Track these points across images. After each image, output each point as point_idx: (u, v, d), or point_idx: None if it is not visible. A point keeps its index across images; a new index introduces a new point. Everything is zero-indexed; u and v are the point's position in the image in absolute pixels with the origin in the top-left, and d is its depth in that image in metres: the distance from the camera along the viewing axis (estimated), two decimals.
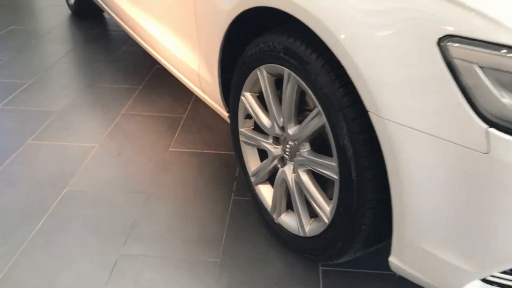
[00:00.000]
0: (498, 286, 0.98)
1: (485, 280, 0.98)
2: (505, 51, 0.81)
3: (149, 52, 2.29)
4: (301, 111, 1.31)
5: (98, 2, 3.02)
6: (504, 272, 0.96)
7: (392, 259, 1.10)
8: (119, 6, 2.52)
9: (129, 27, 2.50)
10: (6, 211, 1.64)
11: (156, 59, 2.22)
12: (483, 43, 0.83)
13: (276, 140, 1.42)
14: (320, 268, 1.42)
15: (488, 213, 0.89)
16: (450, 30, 0.86)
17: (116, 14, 2.67)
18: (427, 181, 0.94)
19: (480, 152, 0.85)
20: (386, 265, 1.13)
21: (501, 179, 0.85)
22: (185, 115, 2.28)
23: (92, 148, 2.01)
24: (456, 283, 0.99)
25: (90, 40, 3.28)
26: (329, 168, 1.18)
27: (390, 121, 0.95)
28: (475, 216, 0.91)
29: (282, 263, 1.45)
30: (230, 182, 1.80)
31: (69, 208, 1.66)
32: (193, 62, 1.78)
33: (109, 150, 2.00)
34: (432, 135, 0.90)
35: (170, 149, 2.01)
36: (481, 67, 0.84)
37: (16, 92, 2.51)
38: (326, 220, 1.24)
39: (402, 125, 0.94)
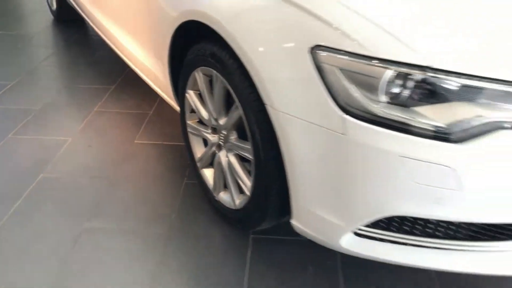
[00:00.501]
0: (369, 239, 1.26)
1: (357, 234, 1.26)
2: (356, 58, 1.10)
3: (118, 55, 2.56)
4: (231, 105, 1.59)
5: (77, 9, 3.29)
6: (374, 227, 1.24)
7: (293, 222, 1.38)
8: (93, 14, 2.79)
9: (101, 32, 2.77)
10: None
11: (125, 61, 2.49)
12: (342, 52, 1.12)
13: (214, 130, 1.70)
14: (251, 236, 1.70)
15: (348, 180, 1.17)
16: (318, 41, 1.14)
17: (92, 21, 2.94)
18: (308, 157, 1.22)
19: (340, 133, 1.14)
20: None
21: (355, 154, 1.13)
22: (151, 112, 2.55)
23: (66, 141, 2.28)
24: (335, 237, 1.27)
25: (71, 45, 3.54)
26: (247, 151, 1.46)
27: (280, 111, 1.23)
28: (341, 183, 1.19)
29: (220, 235, 1.72)
30: (183, 169, 2.07)
31: (43, 191, 1.93)
32: (150, 64, 2.06)
33: (81, 142, 2.27)
34: (308, 121, 1.19)
35: (135, 141, 2.28)
36: (340, 69, 1.12)
37: (0, 92, 2.77)
38: (248, 193, 1.52)
39: (287, 114, 1.22)
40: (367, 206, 1.18)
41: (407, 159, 1.09)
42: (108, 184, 1.97)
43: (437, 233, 1.21)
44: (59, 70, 3.11)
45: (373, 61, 1.08)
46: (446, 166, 1.07)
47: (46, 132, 2.36)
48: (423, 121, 1.07)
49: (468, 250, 1.22)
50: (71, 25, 3.94)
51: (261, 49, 1.26)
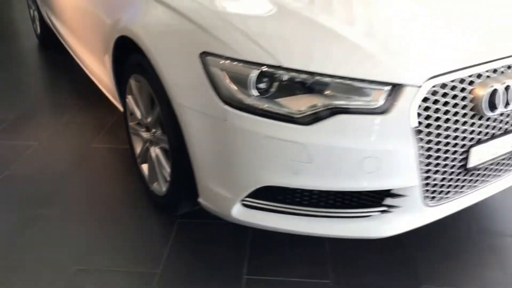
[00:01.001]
0: (253, 209, 1.53)
1: (244, 205, 1.53)
2: (232, 61, 1.40)
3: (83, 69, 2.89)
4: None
5: (55, 32, 3.64)
6: (256, 197, 1.51)
7: (200, 200, 1.66)
8: (63, 34, 3.14)
9: (71, 50, 3.11)
10: None
11: (86, 73, 2.82)
12: (222, 57, 1.42)
13: (147, 129, 1.99)
14: (178, 221, 1.97)
15: (231, 158, 1.46)
16: (205, 49, 1.45)
17: (64, 41, 3.28)
18: (202, 142, 1.52)
19: (223, 120, 1.43)
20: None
21: (234, 136, 1.43)
22: (113, 120, 2.85)
23: (31, 145, 2.58)
24: (228, 208, 1.55)
25: (50, 66, 3.88)
26: (165, 142, 1.75)
27: (180, 104, 1.53)
28: (226, 161, 1.48)
29: (153, 219, 1.99)
30: (131, 167, 2.36)
31: (7, 185, 2.22)
32: (102, 73, 2.37)
33: (46, 146, 2.57)
34: (200, 111, 1.48)
35: (92, 145, 2.58)
36: (221, 70, 1.43)
37: None
38: (169, 179, 1.80)
39: (186, 106, 1.52)
40: (246, 179, 1.46)
41: (271, 138, 1.38)
42: (65, 178, 2.26)
43: (304, 201, 1.49)
44: (40, 86, 3.44)
45: (243, 64, 1.39)
46: (299, 143, 1.36)
47: (17, 137, 2.66)
48: (282, 109, 1.37)
49: (336, 217, 1.50)
50: (54, 48, 4.27)
51: (166, 57, 1.58)
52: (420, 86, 1.35)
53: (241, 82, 1.40)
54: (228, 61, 1.41)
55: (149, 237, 1.88)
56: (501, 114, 1.53)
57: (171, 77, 1.56)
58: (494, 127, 1.54)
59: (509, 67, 1.52)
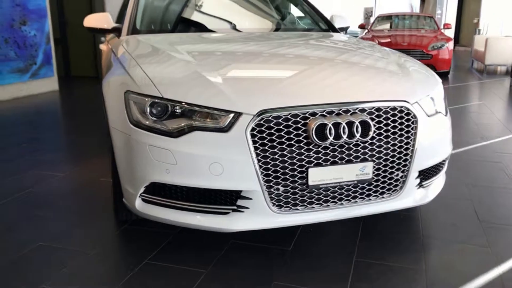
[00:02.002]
0: (150, 203, 2.07)
1: (143, 200, 2.08)
2: (137, 95, 2.06)
3: None
4: None
5: None
6: (150, 193, 2.06)
7: (123, 200, 2.24)
8: None
9: None
10: None
11: None
12: (133, 92, 2.09)
13: None
14: (125, 227, 2.53)
15: (132, 162, 2.06)
16: (128, 88, 2.14)
17: None
18: (121, 152, 2.14)
19: (129, 135, 2.06)
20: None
21: (135, 146, 2.04)
22: None
23: None
24: (133, 202, 2.11)
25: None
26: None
27: (112, 126, 2.20)
28: (130, 165, 2.08)
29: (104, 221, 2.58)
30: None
31: None
32: None
33: None
34: (119, 130, 2.13)
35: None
36: (133, 102, 2.09)
37: None
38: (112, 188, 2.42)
39: (114, 127, 2.18)
40: (140, 177, 2.04)
41: (153, 146, 1.97)
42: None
43: (180, 197, 2.01)
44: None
45: (142, 96, 2.04)
46: (168, 149, 1.93)
47: None
48: (163, 127, 1.97)
49: (203, 211, 1.99)
50: None
51: (110, 95, 2.29)
52: (254, 115, 1.88)
53: (141, 108, 2.04)
54: (135, 95, 2.07)
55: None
56: (341, 146, 1.97)
57: (109, 109, 2.25)
58: (334, 155, 1.97)
59: (345, 111, 1.98)
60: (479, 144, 4.15)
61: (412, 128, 2.11)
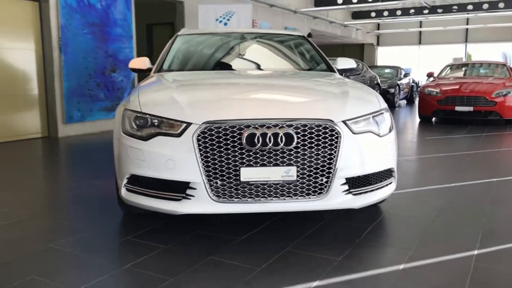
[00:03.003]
0: (132, 192, 2.75)
1: (127, 189, 2.77)
2: (128, 111, 2.81)
3: None
4: None
5: None
6: (131, 184, 2.74)
7: (120, 192, 2.94)
8: None
9: None
10: None
11: None
12: (127, 109, 2.84)
13: None
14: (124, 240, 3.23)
15: (120, 159, 2.77)
16: (126, 107, 2.90)
17: None
18: (116, 154, 2.87)
19: (119, 139, 2.79)
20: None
21: (122, 148, 2.76)
22: None
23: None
24: (121, 192, 2.80)
25: None
26: None
27: (114, 137, 2.95)
28: (119, 162, 2.79)
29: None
30: None
31: None
32: None
33: None
34: (117, 138, 2.87)
35: None
36: (126, 116, 2.83)
37: None
38: None
39: (115, 137, 2.93)
40: (124, 171, 2.73)
41: (131, 147, 2.67)
42: None
43: (151, 186, 2.66)
44: None
45: (131, 112, 2.77)
46: (140, 149, 2.62)
47: None
48: (139, 134, 2.67)
49: (165, 198, 2.62)
50: None
51: (116, 114, 3.06)
52: (199, 124, 2.50)
53: (130, 121, 2.77)
54: (128, 111, 2.81)
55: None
56: (270, 152, 2.50)
57: (114, 125, 3.01)
58: (264, 159, 2.50)
59: (275, 125, 2.52)
60: None
61: (335, 142, 2.57)
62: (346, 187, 2.64)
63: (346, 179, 2.63)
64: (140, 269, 2.37)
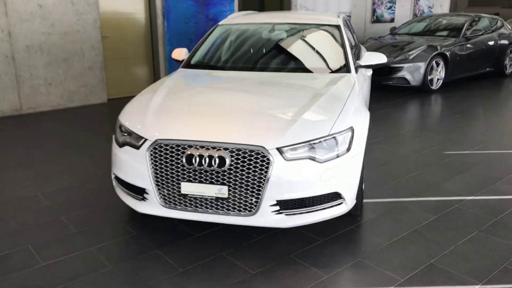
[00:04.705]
0: (119, 188, 3.36)
1: (116, 183, 3.39)
2: (122, 128, 3.37)
3: None
4: None
5: None
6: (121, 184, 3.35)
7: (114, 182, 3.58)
8: None
9: None
10: None
11: None
12: (121, 126, 3.40)
13: None
14: None
15: (112, 162, 3.38)
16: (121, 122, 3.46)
17: None
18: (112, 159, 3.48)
19: (112, 147, 3.39)
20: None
21: (112, 152, 3.36)
22: None
23: None
24: (114, 183, 3.44)
25: None
26: None
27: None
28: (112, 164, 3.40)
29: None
30: None
31: None
32: None
33: None
34: (114, 147, 3.47)
35: None
36: (119, 131, 3.40)
37: None
38: None
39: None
40: (112, 170, 3.34)
41: (114, 152, 3.24)
42: None
43: (124, 185, 3.23)
44: None
45: (119, 117, 3.32)
46: (116, 154, 3.17)
47: None
48: (117, 141, 3.21)
49: (133, 197, 3.17)
50: None
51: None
52: (152, 141, 2.94)
53: (116, 126, 3.33)
54: (119, 124, 3.35)
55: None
56: (206, 171, 2.84)
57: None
58: (201, 176, 2.85)
59: (213, 147, 2.83)
60: None
61: (265, 168, 2.78)
62: (277, 207, 2.86)
63: (277, 201, 2.84)
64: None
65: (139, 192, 3.10)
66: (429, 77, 8.24)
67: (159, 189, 2.97)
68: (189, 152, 2.84)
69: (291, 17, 4.76)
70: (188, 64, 4.36)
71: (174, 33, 8.15)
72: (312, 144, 2.88)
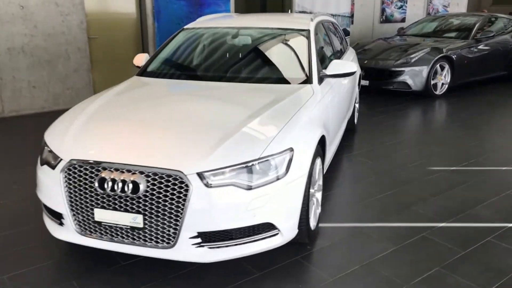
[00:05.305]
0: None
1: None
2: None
3: None
4: None
5: None
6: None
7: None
8: None
9: None
10: None
11: None
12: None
13: None
14: None
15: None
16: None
17: None
18: None
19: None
20: None
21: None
22: None
23: None
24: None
25: None
26: None
27: None
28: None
29: None
30: None
31: None
32: None
33: None
34: None
35: None
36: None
37: None
38: None
39: None
40: None
41: (36, 168, 2.98)
42: None
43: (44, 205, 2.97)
44: None
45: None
46: (37, 172, 2.91)
47: None
48: (40, 157, 2.95)
49: (52, 219, 2.91)
50: None
51: None
52: (66, 162, 2.66)
53: (42, 142, 3.07)
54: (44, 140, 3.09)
55: None
56: (121, 197, 2.55)
57: None
58: (115, 203, 2.56)
59: (128, 170, 2.53)
60: None
61: (184, 195, 2.47)
62: (198, 240, 2.55)
63: (199, 232, 2.53)
64: None
65: (57, 216, 2.83)
66: (433, 82, 7.74)
67: (74, 214, 2.69)
68: (102, 175, 2.55)
69: (261, 21, 4.41)
70: (144, 72, 4.07)
71: (165, 34, 7.89)
72: (240, 168, 2.55)
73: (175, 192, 2.48)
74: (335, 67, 3.73)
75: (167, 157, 2.55)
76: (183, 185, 2.47)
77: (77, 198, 2.65)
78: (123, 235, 2.62)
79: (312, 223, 3.10)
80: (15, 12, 6.52)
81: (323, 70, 3.75)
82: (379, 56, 7.96)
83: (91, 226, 2.67)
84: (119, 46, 7.75)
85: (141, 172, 2.52)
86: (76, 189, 2.64)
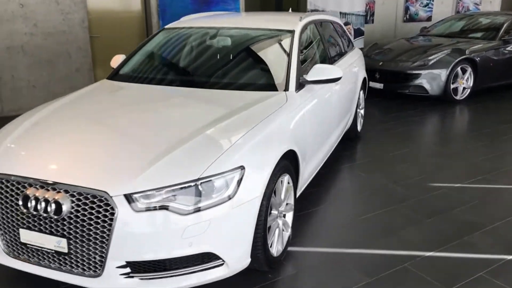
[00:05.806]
0: None
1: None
2: None
3: None
4: None
5: None
6: None
7: None
8: None
9: None
10: None
11: None
12: None
13: None
14: None
15: None
16: None
17: None
18: None
19: None
20: None
21: None
22: None
23: None
24: None
25: None
26: None
27: None
28: None
29: None
30: None
31: None
32: None
33: None
34: None
35: None
36: None
37: None
38: None
39: None
40: None
41: None
42: None
43: None
44: None
45: None
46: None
47: None
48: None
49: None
50: None
51: None
52: None
53: None
54: None
55: None
56: (46, 218, 2.28)
57: None
58: (40, 224, 2.30)
59: (53, 188, 2.26)
60: None
61: (109, 219, 2.18)
62: (127, 269, 2.25)
63: (127, 262, 2.23)
64: None
65: None
66: (453, 86, 7.20)
67: (1, 234, 2.45)
68: (27, 193, 2.29)
69: (247, 21, 4.07)
70: (115, 74, 3.80)
71: None
72: (176, 190, 2.23)
73: (100, 215, 2.20)
74: (317, 72, 3.36)
75: (94, 175, 2.26)
76: (108, 208, 2.18)
77: (3, 216, 2.40)
78: (49, 260, 2.35)
79: (276, 249, 2.76)
80: (15, 10, 6.42)
81: (304, 76, 3.38)
82: (397, 58, 7.46)
83: (18, 247, 2.42)
84: (123, 45, 7.55)
85: (66, 191, 2.24)
86: (2, 206, 2.40)
